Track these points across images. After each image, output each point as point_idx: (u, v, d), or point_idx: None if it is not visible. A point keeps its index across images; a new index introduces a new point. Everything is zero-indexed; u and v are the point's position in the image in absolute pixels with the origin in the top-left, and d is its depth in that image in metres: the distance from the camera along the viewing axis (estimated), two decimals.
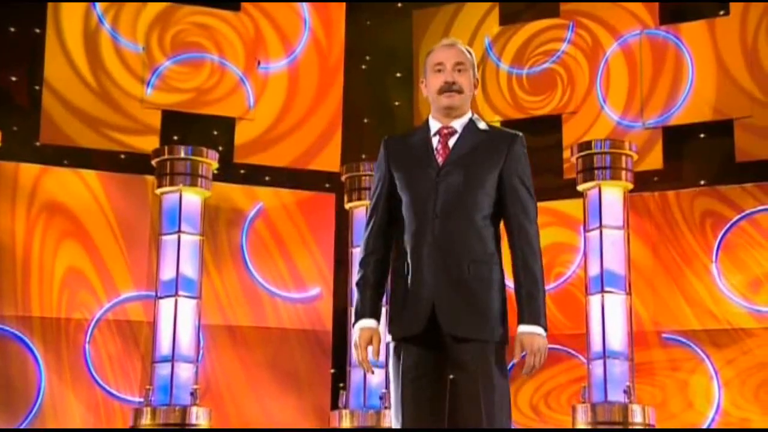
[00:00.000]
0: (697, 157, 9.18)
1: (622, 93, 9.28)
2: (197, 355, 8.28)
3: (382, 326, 3.75)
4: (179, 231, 8.25)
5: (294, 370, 9.02)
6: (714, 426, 8.45)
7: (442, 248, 3.64)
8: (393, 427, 3.68)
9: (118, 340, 8.72)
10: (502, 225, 3.80)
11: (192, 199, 8.34)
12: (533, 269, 3.68)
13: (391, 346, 3.73)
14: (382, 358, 3.76)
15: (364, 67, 10.09)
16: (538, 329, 3.64)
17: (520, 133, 3.85)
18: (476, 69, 3.90)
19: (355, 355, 3.75)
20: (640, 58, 9.25)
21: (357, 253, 8.59)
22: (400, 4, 10.20)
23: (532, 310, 3.65)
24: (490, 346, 3.61)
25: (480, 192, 3.70)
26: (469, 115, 3.86)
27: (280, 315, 9.08)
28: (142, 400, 8.21)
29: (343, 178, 8.80)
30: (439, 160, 3.76)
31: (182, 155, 8.29)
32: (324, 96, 9.62)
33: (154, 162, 8.40)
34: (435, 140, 3.81)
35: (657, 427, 7.86)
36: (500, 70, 9.63)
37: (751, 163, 8.78)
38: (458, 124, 3.82)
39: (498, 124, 9.55)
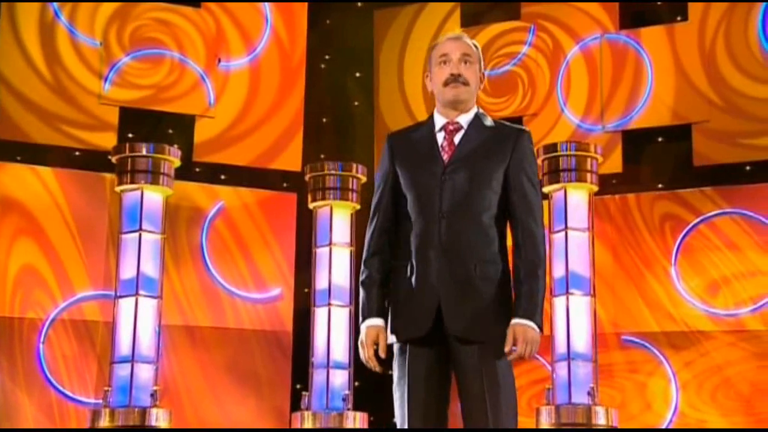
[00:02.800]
0: (656, 160, 9.24)
1: (582, 96, 9.32)
2: (157, 355, 8.14)
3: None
4: (140, 230, 8.09)
5: (253, 371, 8.92)
6: (672, 427, 8.53)
7: (449, 249, 3.59)
8: (398, 427, 3.64)
9: (74, 340, 8.54)
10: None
11: (153, 197, 8.19)
12: (536, 271, 3.63)
13: (396, 347, 3.68)
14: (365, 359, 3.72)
15: (323, 66, 10.02)
16: (532, 324, 3.59)
17: (527, 129, 3.81)
18: (482, 64, 3.84)
19: (361, 353, 3.69)
20: (600, 62, 9.30)
21: (321, 253, 8.57)
22: (360, 4, 10.16)
23: (529, 306, 3.61)
24: (496, 347, 3.58)
25: (486, 190, 3.64)
26: (474, 110, 3.80)
27: (239, 315, 8.98)
28: (97, 401, 8.06)
29: (306, 177, 8.72)
30: (445, 157, 3.70)
31: (144, 153, 8.13)
32: (285, 95, 9.54)
33: (114, 159, 8.24)
34: (440, 136, 3.75)
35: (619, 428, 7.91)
36: None
37: (709, 167, 8.87)
38: (464, 120, 3.76)
39: None
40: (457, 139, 3.73)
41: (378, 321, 3.68)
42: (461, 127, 3.75)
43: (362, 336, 3.69)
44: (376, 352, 3.65)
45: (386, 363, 3.70)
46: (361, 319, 3.72)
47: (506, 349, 3.56)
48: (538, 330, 3.60)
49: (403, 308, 3.65)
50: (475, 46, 3.83)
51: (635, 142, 9.20)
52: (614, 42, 9.31)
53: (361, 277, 3.76)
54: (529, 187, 3.69)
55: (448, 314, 3.57)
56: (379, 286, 3.71)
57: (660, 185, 9.05)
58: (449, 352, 3.61)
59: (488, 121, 3.79)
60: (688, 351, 8.62)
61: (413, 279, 3.63)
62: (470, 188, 3.63)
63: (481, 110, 3.82)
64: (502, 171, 3.67)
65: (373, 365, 3.66)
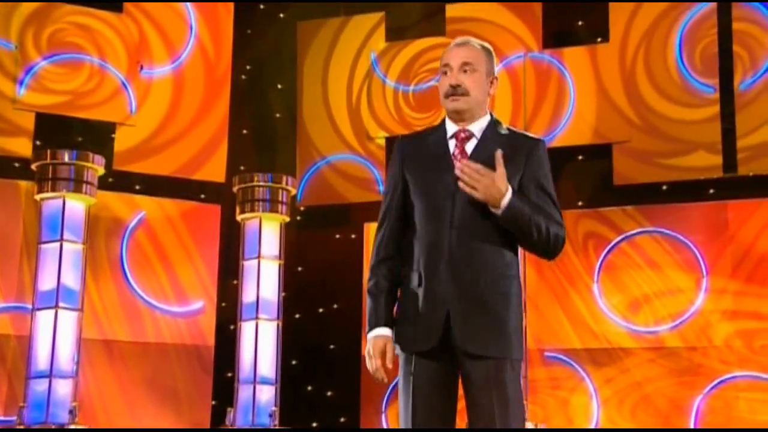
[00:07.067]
0: (577, 178, 9.32)
1: (506, 114, 9.34)
2: (76, 370, 7.84)
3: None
4: (61, 239, 7.80)
5: (173, 386, 8.67)
6: None
7: (459, 260, 3.48)
8: None
9: None
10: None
11: (75, 206, 7.91)
12: (558, 232, 3.58)
13: (402, 358, 3.56)
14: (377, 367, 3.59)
15: (244, 77, 9.85)
16: (508, 198, 3.46)
17: (542, 138, 3.75)
18: (494, 66, 3.72)
19: (368, 364, 3.56)
20: (524, 81, 9.37)
21: (249, 266, 8.39)
22: (282, 15, 10.03)
23: (526, 205, 3.51)
24: (505, 362, 3.47)
25: None
26: (487, 118, 3.68)
27: (160, 329, 8.71)
28: (8, 419, 7.72)
29: (234, 189, 8.54)
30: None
31: (66, 160, 7.86)
32: (210, 105, 9.33)
33: (34, 166, 7.94)
34: (452, 144, 3.64)
35: None
36: (386, 86, 9.57)
37: (629, 187, 9.01)
38: (476, 128, 3.65)
39: (383, 141, 9.52)
40: (469, 147, 3.62)
41: (385, 331, 3.56)
42: (473, 135, 3.65)
43: (369, 346, 3.55)
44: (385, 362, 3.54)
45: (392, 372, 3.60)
46: (367, 328, 3.59)
47: (466, 161, 3.48)
48: (508, 198, 3.46)
49: (411, 319, 3.53)
50: (485, 50, 3.72)
51: (557, 159, 9.23)
52: (537, 61, 9.40)
53: (368, 285, 3.62)
54: (545, 197, 3.62)
55: (457, 329, 3.46)
56: (387, 294, 3.59)
57: (580, 203, 9.15)
58: (456, 365, 3.51)
59: (503, 129, 3.68)
60: (609, 367, 8.72)
61: (421, 290, 3.52)
62: None
63: (495, 117, 3.72)
64: (517, 181, 3.57)
65: (381, 376, 3.54)
